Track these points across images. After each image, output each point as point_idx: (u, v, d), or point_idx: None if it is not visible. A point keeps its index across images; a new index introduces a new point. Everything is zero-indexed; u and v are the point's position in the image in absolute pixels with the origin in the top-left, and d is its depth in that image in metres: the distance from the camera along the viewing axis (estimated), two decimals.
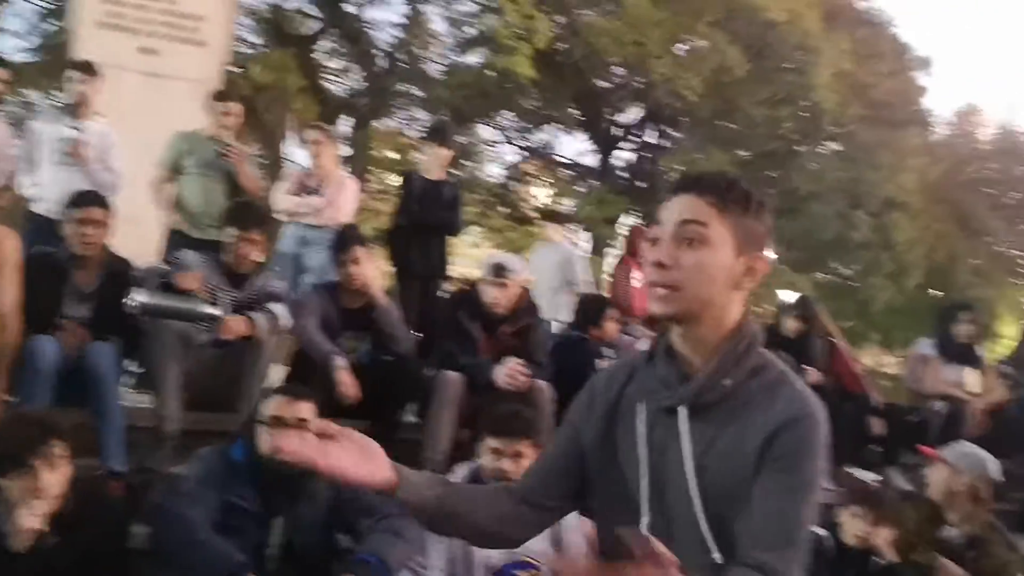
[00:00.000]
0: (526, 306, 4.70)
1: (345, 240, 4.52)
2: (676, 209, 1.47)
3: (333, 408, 3.98)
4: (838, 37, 16.70)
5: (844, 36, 16.96)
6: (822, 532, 3.91)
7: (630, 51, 15.10)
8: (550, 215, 8.23)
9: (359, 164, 17.30)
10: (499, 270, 4.47)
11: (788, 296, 18.70)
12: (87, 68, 5.41)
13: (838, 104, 16.53)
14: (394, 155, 18.00)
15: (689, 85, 14.97)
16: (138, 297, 3.76)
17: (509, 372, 4.33)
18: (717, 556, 1.43)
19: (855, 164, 17.19)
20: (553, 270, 6.81)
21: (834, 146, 18.87)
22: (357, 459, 1.46)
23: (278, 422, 3.02)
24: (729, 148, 17.32)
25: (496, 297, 4.49)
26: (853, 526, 3.82)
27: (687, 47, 16.87)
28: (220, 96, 5.80)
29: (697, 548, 1.43)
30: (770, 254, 1.51)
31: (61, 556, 2.54)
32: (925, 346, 5.71)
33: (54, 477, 2.58)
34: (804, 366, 5.24)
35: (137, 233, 4.81)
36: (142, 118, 6.41)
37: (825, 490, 4.27)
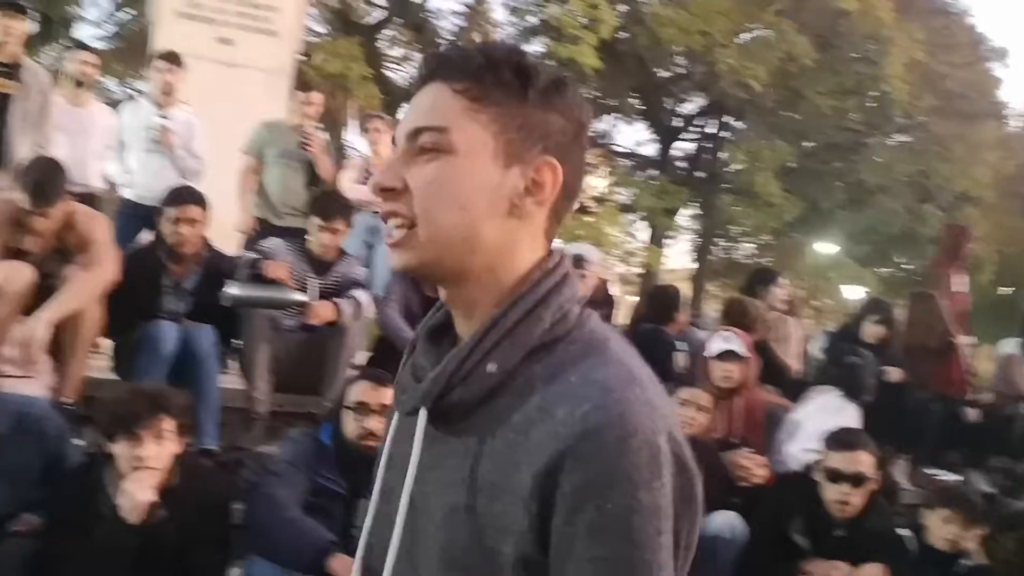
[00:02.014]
0: (603, 297, 4.72)
1: None
2: (411, 110, 0.97)
3: None
4: (911, 27, 16.35)
5: (917, 26, 16.60)
6: (906, 533, 3.87)
7: (695, 40, 14.99)
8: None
9: None
10: (577, 261, 4.49)
11: (853, 292, 18.49)
12: (173, 58, 5.54)
13: (909, 95, 16.20)
14: None
15: (754, 75, 14.81)
16: (230, 291, 3.87)
17: None
18: None
19: (925, 157, 16.86)
20: None
21: (904, 138, 18.51)
22: None
23: (363, 407, 3.09)
24: (793, 139, 17.09)
25: None
26: (943, 529, 3.77)
27: (753, 36, 16.68)
28: (302, 86, 5.89)
29: None
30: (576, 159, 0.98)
31: (171, 529, 2.64)
32: (1012, 346, 5.59)
33: (160, 450, 2.68)
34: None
35: (215, 218, 4.89)
36: (218, 106, 6.52)
37: (903, 490, 4.19)
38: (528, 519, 0.85)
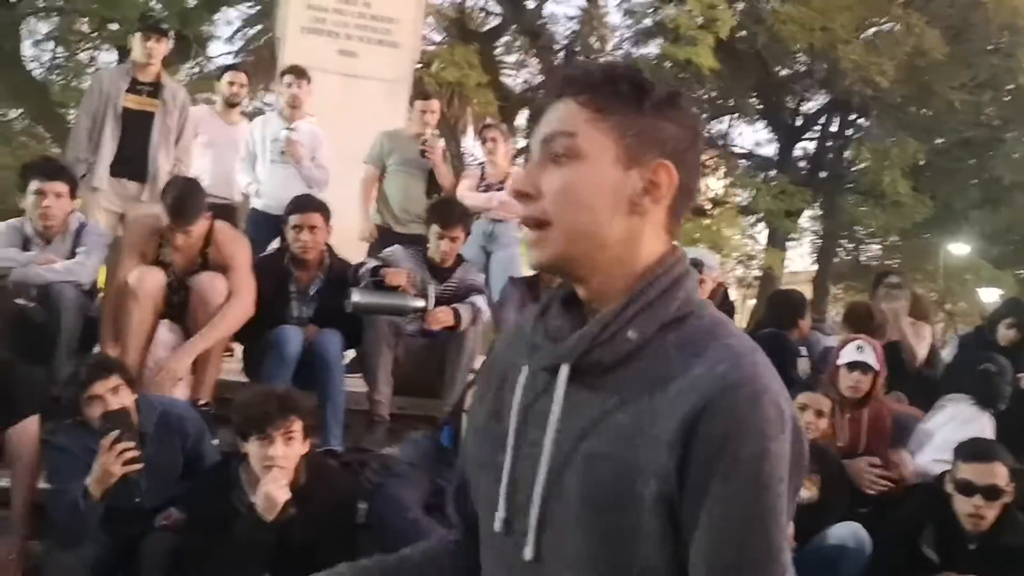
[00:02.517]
0: (720, 301, 4.65)
1: None
2: (543, 122, 1.10)
3: None
4: None
5: None
6: None
7: (817, 37, 14.55)
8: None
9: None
10: (696, 265, 4.45)
11: (988, 295, 17.60)
12: (300, 72, 5.77)
13: None
14: None
15: (881, 70, 14.25)
16: (353, 297, 4.00)
17: None
18: (529, 552, 1.05)
19: None
20: None
21: None
22: None
23: None
24: (923, 136, 16.39)
25: None
26: None
27: (879, 30, 16.10)
28: (421, 95, 6.04)
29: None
30: (686, 162, 1.09)
31: (300, 527, 2.76)
32: None
33: (289, 450, 2.80)
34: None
35: (337, 226, 5.07)
36: (341, 117, 6.72)
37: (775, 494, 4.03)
38: (673, 460, 0.97)
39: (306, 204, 4.23)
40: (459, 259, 4.54)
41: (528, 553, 1.05)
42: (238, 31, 17.97)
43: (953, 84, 15.50)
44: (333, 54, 7.53)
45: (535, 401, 1.10)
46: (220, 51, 17.85)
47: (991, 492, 3.36)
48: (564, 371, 1.06)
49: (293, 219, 4.14)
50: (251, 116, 6.81)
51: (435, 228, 4.44)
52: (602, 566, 1.01)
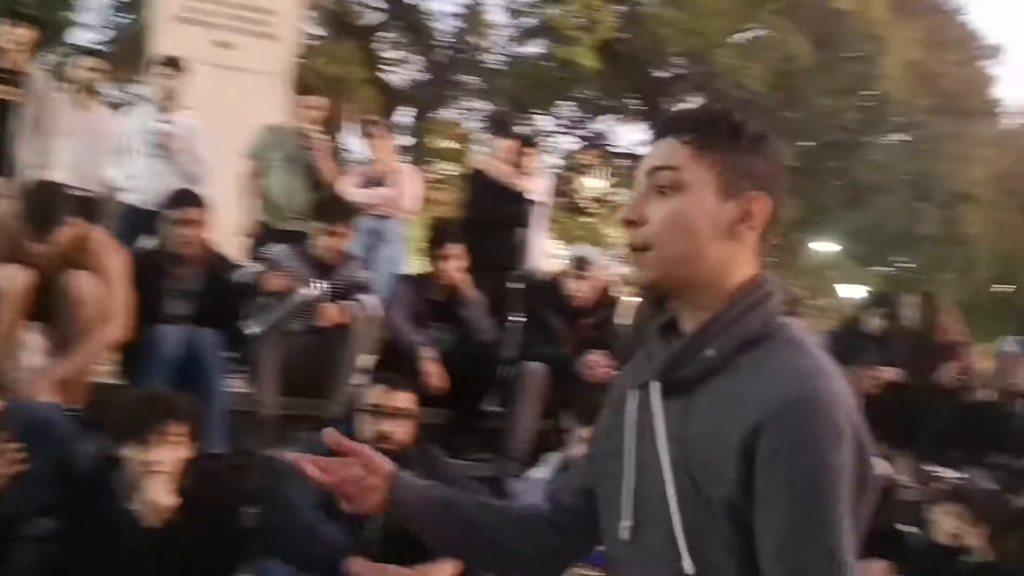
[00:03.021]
0: (606, 298, 4.73)
1: (441, 236, 4.60)
2: (650, 157, 1.24)
3: (419, 397, 4.07)
4: (907, 25, 16.40)
5: (913, 24, 16.65)
6: (912, 530, 3.90)
7: (693, 41, 15.01)
8: None
9: (419, 155, 17.48)
10: (581, 262, 4.52)
11: (852, 292, 18.53)
12: (175, 63, 5.55)
13: (906, 94, 16.24)
14: (453, 145, 18.10)
15: (753, 75, 14.83)
16: (252, 329, 3.90)
17: (590, 363, 4.39)
18: (688, 565, 1.12)
19: (922, 155, 16.89)
20: None
21: (901, 137, 18.55)
22: (356, 478, 1.33)
23: (378, 410, 3.11)
24: (792, 139, 17.11)
25: (577, 289, 4.54)
26: (947, 524, 3.80)
27: (751, 36, 16.71)
28: (304, 90, 5.91)
29: (668, 556, 1.13)
30: (774, 196, 1.21)
31: (183, 532, 2.65)
32: (1012, 344, 5.62)
33: (170, 454, 2.69)
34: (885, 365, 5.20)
35: (217, 223, 4.90)
36: (216, 110, 6.52)
37: (904, 487, 4.23)
38: (736, 470, 1.08)
39: (184, 198, 4.09)
40: (344, 256, 4.46)
41: (688, 567, 1.12)
42: (103, 18, 17.19)
43: (819, 90, 16.26)
44: (207, 45, 7.29)
45: (642, 416, 1.22)
46: (85, 39, 16.93)
47: None
48: (656, 388, 1.19)
49: (171, 214, 3.99)
50: (114, 105, 6.51)
51: (318, 224, 4.35)
52: (704, 562, 1.11)
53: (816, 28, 16.07)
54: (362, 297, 4.28)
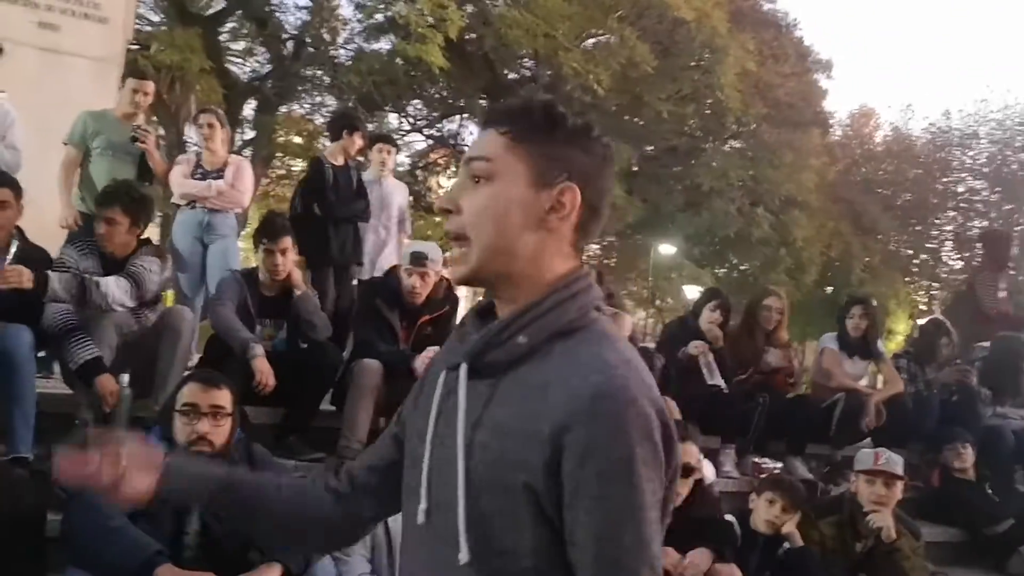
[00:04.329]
0: (444, 294, 4.71)
1: (274, 229, 4.45)
2: (469, 149, 1.26)
3: (249, 396, 3.94)
4: (744, 37, 17.23)
5: (749, 36, 17.51)
6: (730, 518, 4.07)
7: (541, 43, 15.25)
8: None
9: (263, 149, 17.00)
10: (418, 258, 4.48)
11: (692, 291, 19.25)
12: None
13: (742, 103, 17.05)
14: (299, 140, 17.70)
15: (598, 79, 15.19)
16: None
17: (426, 361, 4.35)
18: (464, 555, 1.12)
19: (757, 162, 17.76)
20: None
21: (737, 144, 19.45)
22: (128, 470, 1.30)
23: (193, 409, 2.99)
24: (635, 143, 17.65)
25: (415, 285, 4.50)
26: (767, 512, 3.98)
27: (597, 41, 17.13)
28: (133, 74, 5.63)
29: (453, 542, 1.13)
30: (590, 184, 1.22)
31: None
32: (829, 341, 5.92)
33: None
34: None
35: (34, 212, 4.60)
36: (40, 95, 6.17)
37: (730, 477, 4.41)
38: (542, 459, 1.08)
39: None
40: (139, 245, 4.14)
41: (464, 556, 1.12)
42: None
43: (661, 96, 16.85)
44: (31, 26, 6.92)
45: (447, 398, 1.22)
46: None
47: (685, 470, 3.66)
48: (463, 369, 1.19)
49: None
50: None
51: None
52: (493, 546, 1.12)
53: (659, 36, 16.64)
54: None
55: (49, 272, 3.73)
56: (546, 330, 1.16)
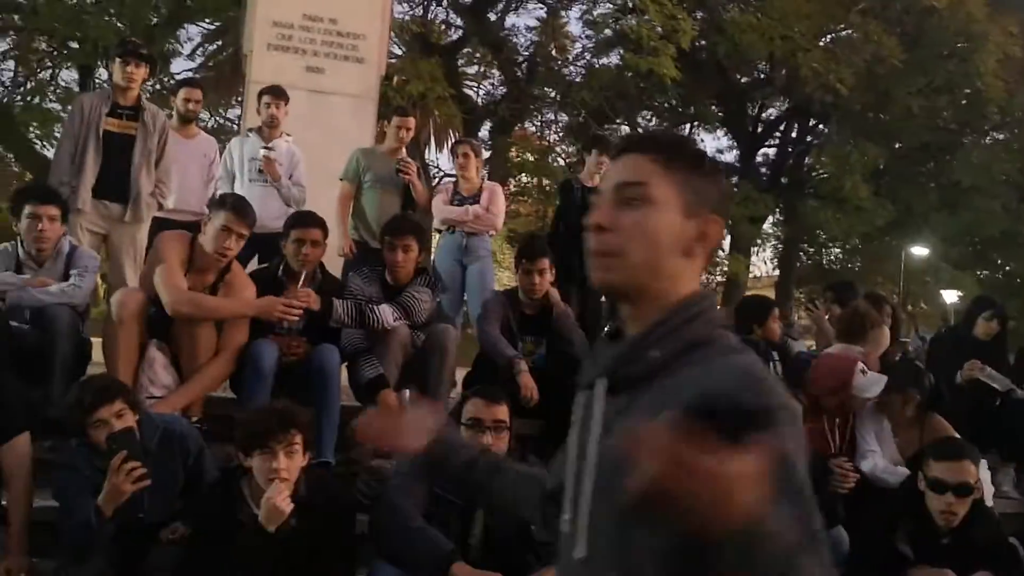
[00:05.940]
0: None
1: (533, 251, 4.72)
2: (615, 171, 1.31)
3: (514, 408, 4.19)
4: (1007, 20, 15.84)
5: (1011, 19, 16.07)
6: (1014, 542, 3.83)
7: (777, 46, 14.82)
8: None
9: (500, 168, 17.67)
10: None
11: (951, 296, 17.92)
12: (279, 92, 5.86)
13: (1005, 92, 15.69)
14: (532, 157, 18.19)
15: (840, 77, 14.54)
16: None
17: None
18: (580, 551, 1.20)
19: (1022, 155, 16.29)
20: None
21: (1000, 136, 17.93)
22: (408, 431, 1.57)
23: (478, 424, 3.24)
24: (883, 141, 16.73)
25: None
26: None
27: (837, 38, 16.43)
28: (399, 112, 6.15)
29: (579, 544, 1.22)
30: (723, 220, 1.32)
31: (303, 538, 2.84)
32: None
33: (291, 463, 2.89)
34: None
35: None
36: (309, 133, 6.76)
37: (1009, 498, 4.11)
38: None
39: (308, 219, 4.31)
40: (416, 272, 4.55)
41: (580, 551, 1.19)
42: (198, 47, 17.95)
43: (911, 90, 15.86)
44: (300, 71, 7.58)
45: (586, 416, 1.28)
46: (181, 68, 17.71)
47: (962, 489, 3.50)
48: (600, 385, 1.25)
49: (294, 233, 4.21)
50: (211, 131, 6.85)
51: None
52: (618, 548, 1.16)
53: (906, 27, 15.72)
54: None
55: (334, 299, 4.21)
56: (678, 343, 1.21)
